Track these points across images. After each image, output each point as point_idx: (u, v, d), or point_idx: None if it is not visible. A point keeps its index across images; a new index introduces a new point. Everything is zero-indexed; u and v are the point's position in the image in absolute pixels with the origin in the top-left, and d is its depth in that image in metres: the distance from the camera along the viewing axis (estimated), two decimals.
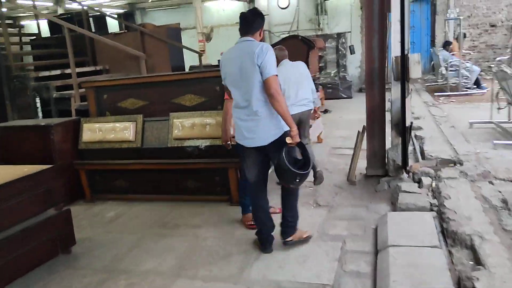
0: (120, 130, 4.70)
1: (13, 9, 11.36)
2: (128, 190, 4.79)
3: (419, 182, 4.33)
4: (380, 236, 3.40)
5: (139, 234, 3.95)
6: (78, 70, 5.99)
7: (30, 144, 4.66)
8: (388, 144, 4.76)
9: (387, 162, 4.66)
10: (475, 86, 10.31)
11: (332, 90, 11.37)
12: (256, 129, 3.05)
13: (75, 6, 8.19)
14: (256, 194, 3.36)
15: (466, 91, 10.11)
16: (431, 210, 3.71)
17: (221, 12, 14.40)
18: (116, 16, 8.08)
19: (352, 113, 8.95)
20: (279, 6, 13.56)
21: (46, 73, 5.59)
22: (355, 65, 12.78)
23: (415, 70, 4.30)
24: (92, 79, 5.30)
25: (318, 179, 4.76)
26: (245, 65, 2.94)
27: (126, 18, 7.41)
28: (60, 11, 10.61)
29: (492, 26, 12.64)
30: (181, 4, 14.21)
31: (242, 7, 14.11)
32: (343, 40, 11.58)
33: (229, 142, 3.65)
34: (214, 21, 13.82)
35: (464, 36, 11.83)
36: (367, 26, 4.63)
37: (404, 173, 4.49)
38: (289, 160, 2.97)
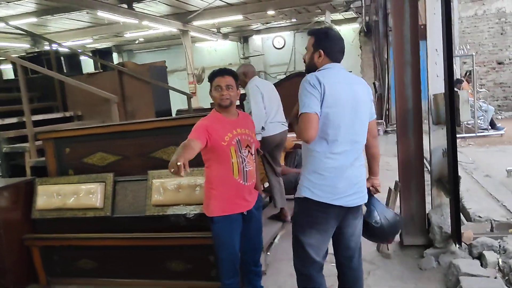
0: (84, 194, 3.63)
1: None
2: (94, 273, 3.67)
3: (480, 257, 3.28)
4: None
5: None
6: (42, 117, 5.00)
7: None
8: (429, 204, 3.78)
9: (430, 229, 3.62)
10: (490, 127, 9.55)
11: None
12: (362, 179, 2.38)
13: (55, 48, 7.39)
14: (321, 276, 2.47)
15: (483, 132, 9.29)
16: None
17: (213, 53, 13.74)
18: (90, 54, 7.20)
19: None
20: (274, 46, 12.96)
21: None
22: None
23: (465, 111, 3.35)
24: (50, 129, 4.29)
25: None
26: (361, 99, 2.35)
27: (102, 56, 6.54)
28: None
29: (500, 63, 12.04)
30: (171, 46, 13.52)
31: (235, 47, 13.49)
32: None
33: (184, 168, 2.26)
34: (206, 62, 13.10)
35: (471, 73, 11.21)
36: (397, 58, 3.73)
37: (456, 244, 3.43)
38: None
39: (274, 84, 5.04)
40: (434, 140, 3.64)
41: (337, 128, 2.23)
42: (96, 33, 10.95)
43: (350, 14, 12.08)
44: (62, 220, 3.67)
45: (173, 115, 6.22)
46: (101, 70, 6.28)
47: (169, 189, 3.40)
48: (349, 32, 12.31)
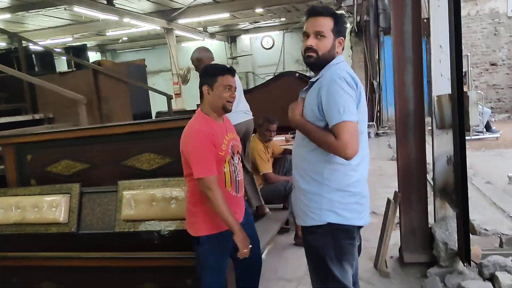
0: (47, 207, 3.21)
1: None
2: None
3: (492, 279, 2.93)
4: None
5: None
6: (7, 120, 4.55)
7: None
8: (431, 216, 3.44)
9: (434, 245, 3.27)
10: (485, 130, 9.31)
11: None
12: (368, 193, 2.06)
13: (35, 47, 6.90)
14: None
15: (478, 135, 9.04)
16: None
17: None
18: (61, 50, 6.73)
19: None
20: (263, 47, 12.61)
21: None
22: None
23: (474, 114, 3.01)
24: (10, 133, 3.86)
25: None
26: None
27: (76, 53, 6.08)
28: None
29: (493, 65, 11.83)
30: (156, 45, 13.09)
31: (223, 47, 13.09)
32: None
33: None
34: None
35: (466, 74, 10.99)
36: (397, 56, 3.38)
37: (464, 262, 3.07)
38: None
39: (261, 85, 4.67)
40: (437, 146, 3.32)
41: (360, 136, 1.86)
42: (76, 31, 10.48)
43: (341, 13, 11.79)
44: (21, 237, 3.24)
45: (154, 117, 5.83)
46: (75, 69, 5.84)
47: (141, 201, 2.99)
48: None
